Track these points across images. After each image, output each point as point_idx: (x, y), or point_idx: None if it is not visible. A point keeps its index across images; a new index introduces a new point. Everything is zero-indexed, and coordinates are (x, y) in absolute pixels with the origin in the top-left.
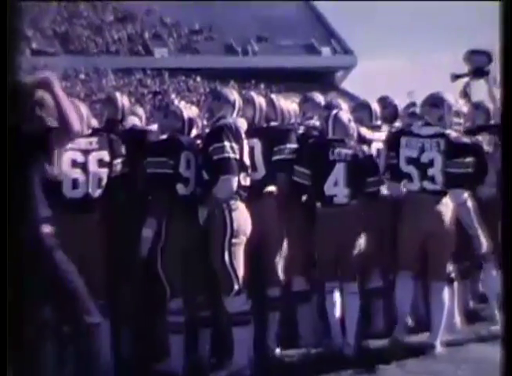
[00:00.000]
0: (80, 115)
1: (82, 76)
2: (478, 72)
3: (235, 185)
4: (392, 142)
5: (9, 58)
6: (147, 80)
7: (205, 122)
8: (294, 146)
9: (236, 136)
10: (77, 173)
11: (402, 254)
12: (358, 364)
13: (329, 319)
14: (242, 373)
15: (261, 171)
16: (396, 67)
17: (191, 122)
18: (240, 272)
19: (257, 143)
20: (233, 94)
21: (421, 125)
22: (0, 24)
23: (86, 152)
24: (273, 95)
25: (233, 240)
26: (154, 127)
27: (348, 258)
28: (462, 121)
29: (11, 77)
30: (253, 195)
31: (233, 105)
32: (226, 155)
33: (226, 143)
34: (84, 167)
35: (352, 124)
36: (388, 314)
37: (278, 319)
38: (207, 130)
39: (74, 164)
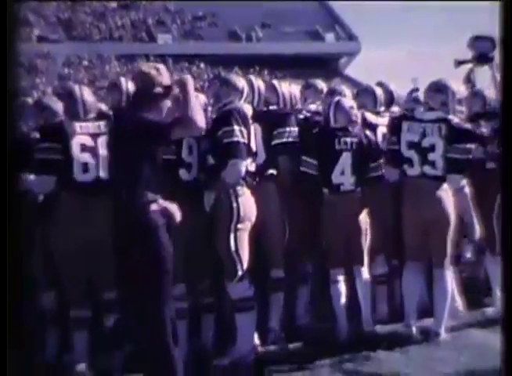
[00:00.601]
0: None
1: (85, 62)
2: (482, 58)
3: (243, 169)
4: (394, 127)
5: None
6: None
7: (210, 108)
8: (294, 129)
9: (244, 121)
10: (87, 157)
11: (407, 243)
12: (361, 350)
13: (335, 306)
14: (245, 359)
15: (262, 156)
16: (400, 54)
17: None
18: (244, 258)
19: (257, 128)
20: (241, 81)
21: (424, 110)
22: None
23: (95, 136)
24: (275, 81)
25: (239, 226)
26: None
27: (358, 245)
28: (464, 109)
29: (11, 79)
30: (254, 179)
31: (241, 92)
32: (235, 139)
33: (236, 127)
34: (93, 151)
35: (355, 111)
36: (392, 300)
37: (281, 301)
38: (213, 115)
39: (84, 148)
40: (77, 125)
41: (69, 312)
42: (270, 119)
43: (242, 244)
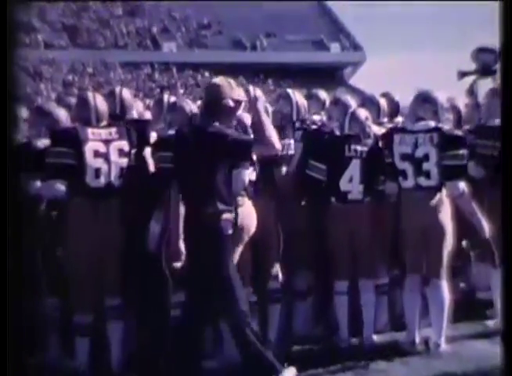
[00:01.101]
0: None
1: (90, 70)
2: (485, 70)
3: (247, 178)
4: (385, 141)
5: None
6: (155, 74)
7: None
8: (290, 141)
9: (245, 131)
10: (100, 163)
11: (405, 257)
12: (361, 360)
13: (337, 317)
14: (233, 364)
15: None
16: (405, 64)
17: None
18: (240, 268)
19: None
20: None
21: (414, 121)
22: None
23: (107, 142)
24: (289, 90)
25: (236, 237)
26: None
27: (364, 255)
28: (451, 116)
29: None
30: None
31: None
32: None
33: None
34: (106, 157)
35: (369, 122)
36: (392, 310)
37: (278, 311)
38: None
39: (97, 154)
40: (90, 131)
41: (72, 318)
42: None
43: (237, 253)
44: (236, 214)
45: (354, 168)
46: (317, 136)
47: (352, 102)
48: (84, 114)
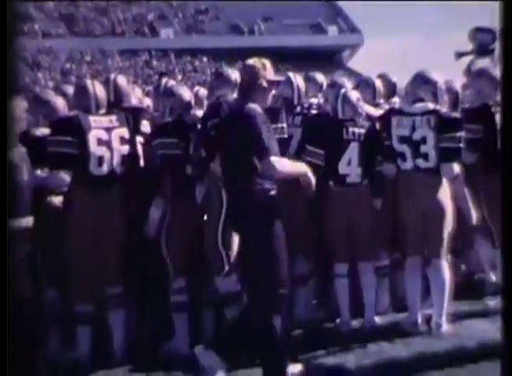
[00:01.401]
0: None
1: (88, 58)
2: (483, 50)
3: None
4: (383, 123)
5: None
6: (153, 61)
7: (205, 102)
8: (282, 125)
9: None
10: (103, 151)
11: (406, 239)
12: (363, 342)
13: (338, 300)
14: None
15: None
16: (403, 46)
17: (195, 102)
18: (232, 253)
19: None
20: (235, 73)
21: (412, 103)
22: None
23: (108, 129)
24: (290, 73)
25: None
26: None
27: (363, 238)
28: (446, 98)
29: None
30: None
31: (234, 84)
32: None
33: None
34: (108, 144)
35: (361, 103)
36: (393, 292)
37: None
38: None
39: (100, 142)
40: (92, 119)
41: (73, 308)
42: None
43: (230, 239)
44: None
45: (352, 151)
46: (316, 121)
47: (348, 84)
48: (84, 102)
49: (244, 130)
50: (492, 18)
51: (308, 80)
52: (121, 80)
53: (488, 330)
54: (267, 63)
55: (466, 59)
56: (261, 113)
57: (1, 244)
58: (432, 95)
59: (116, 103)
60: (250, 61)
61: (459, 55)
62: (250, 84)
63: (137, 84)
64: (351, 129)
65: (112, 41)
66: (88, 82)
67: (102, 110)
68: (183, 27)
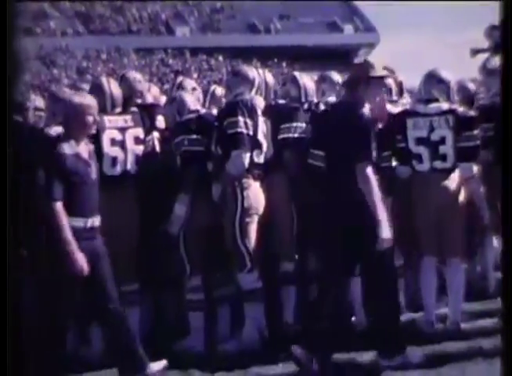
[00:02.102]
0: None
1: (104, 56)
2: (498, 47)
3: (246, 161)
4: (397, 125)
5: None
6: (169, 59)
7: (223, 100)
8: (301, 124)
9: (251, 113)
10: (116, 151)
11: (421, 239)
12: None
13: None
14: (250, 348)
15: (270, 149)
16: (419, 45)
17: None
18: (252, 249)
19: (266, 121)
20: (253, 71)
21: (425, 103)
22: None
23: (123, 129)
24: (296, 73)
25: (245, 219)
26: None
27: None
28: (460, 97)
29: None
30: (262, 171)
31: (252, 82)
32: (239, 130)
33: (240, 118)
34: (122, 145)
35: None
36: (407, 291)
37: (293, 294)
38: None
39: (113, 142)
40: (106, 119)
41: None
42: (278, 113)
43: (249, 236)
44: (243, 196)
45: None
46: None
47: None
48: (100, 101)
49: (353, 130)
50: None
51: (324, 79)
52: (136, 76)
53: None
54: (373, 62)
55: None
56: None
57: (1, 244)
58: (445, 94)
59: (130, 100)
60: (359, 59)
61: (475, 52)
62: (359, 81)
63: (153, 82)
64: None
65: (128, 40)
66: (104, 80)
67: (118, 109)
68: (199, 25)
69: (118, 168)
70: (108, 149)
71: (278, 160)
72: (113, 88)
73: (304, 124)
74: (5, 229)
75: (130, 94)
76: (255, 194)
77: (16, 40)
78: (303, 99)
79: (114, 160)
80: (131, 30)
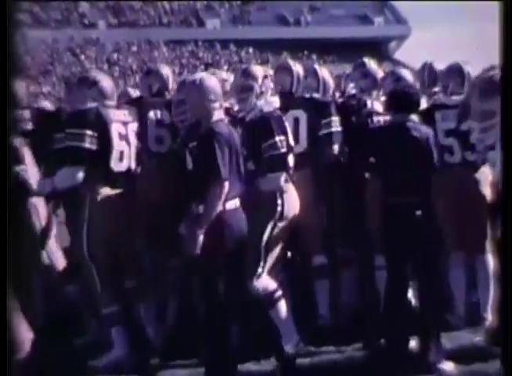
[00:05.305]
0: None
1: (134, 48)
2: None
3: (282, 180)
4: (427, 119)
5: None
6: (199, 51)
7: (236, 107)
8: (337, 118)
9: (282, 126)
10: (123, 145)
11: (451, 234)
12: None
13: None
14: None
15: (303, 144)
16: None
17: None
18: (271, 256)
19: (301, 115)
20: (260, 70)
21: (449, 95)
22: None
23: (125, 123)
24: (316, 66)
25: (279, 223)
26: None
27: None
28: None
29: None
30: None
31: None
32: (276, 152)
33: (277, 138)
34: (126, 139)
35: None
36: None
37: (327, 287)
38: (249, 119)
39: (121, 136)
40: (111, 112)
41: (101, 311)
42: (315, 107)
43: (274, 242)
44: (283, 200)
45: None
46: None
47: (408, 75)
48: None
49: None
50: None
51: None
52: (166, 70)
53: None
54: None
55: None
56: None
57: (1, 244)
58: (463, 87)
59: (161, 94)
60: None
61: None
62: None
63: (182, 74)
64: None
65: (158, 32)
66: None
67: (112, 103)
68: (229, 17)
69: (125, 163)
70: (117, 143)
71: (315, 155)
72: (107, 82)
73: (337, 118)
74: (5, 230)
75: (157, 87)
76: (293, 198)
77: (16, 40)
78: (321, 92)
79: (121, 154)
80: (162, 23)
